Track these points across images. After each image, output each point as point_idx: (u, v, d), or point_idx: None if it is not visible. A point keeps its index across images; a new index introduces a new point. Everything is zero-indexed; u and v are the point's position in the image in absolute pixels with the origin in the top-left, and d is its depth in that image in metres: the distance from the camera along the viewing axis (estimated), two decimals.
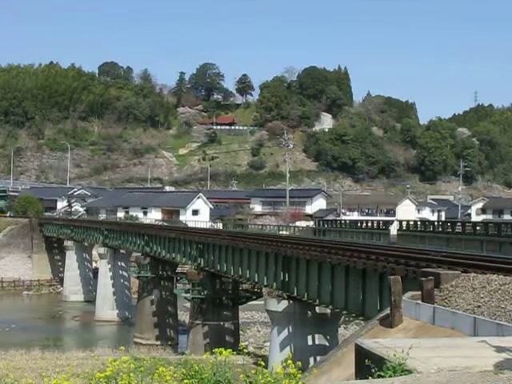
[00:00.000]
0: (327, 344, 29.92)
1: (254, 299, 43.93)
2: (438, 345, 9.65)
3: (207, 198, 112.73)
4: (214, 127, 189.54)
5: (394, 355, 7.95)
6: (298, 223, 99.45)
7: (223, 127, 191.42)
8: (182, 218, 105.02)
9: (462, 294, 14.87)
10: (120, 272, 63.19)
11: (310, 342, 30.35)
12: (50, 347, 38.92)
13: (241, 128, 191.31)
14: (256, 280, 35.40)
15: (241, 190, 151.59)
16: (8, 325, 55.21)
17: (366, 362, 8.35)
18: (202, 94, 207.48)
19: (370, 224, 73.99)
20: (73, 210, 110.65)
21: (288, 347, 30.06)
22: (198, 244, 42.95)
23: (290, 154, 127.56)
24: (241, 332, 46.50)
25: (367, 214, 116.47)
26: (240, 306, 44.41)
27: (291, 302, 30.82)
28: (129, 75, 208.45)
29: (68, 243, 74.90)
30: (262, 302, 37.15)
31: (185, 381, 10.43)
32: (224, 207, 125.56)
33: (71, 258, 74.60)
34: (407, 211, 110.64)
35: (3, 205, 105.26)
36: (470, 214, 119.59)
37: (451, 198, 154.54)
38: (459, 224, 63.96)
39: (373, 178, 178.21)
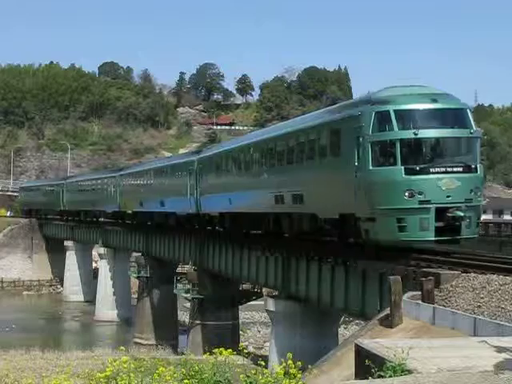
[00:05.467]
0: (327, 344, 29.89)
1: (254, 299, 43.95)
2: (438, 345, 9.65)
3: None
4: (214, 127, 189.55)
5: (394, 355, 7.96)
6: None
7: (223, 127, 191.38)
8: None
9: (462, 294, 14.87)
10: (120, 272, 63.11)
11: (310, 342, 30.30)
12: (50, 347, 38.88)
13: (241, 128, 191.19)
14: (256, 280, 35.39)
15: None
16: (8, 325, 55.18)
17: (366, 362, 8.35)
18: (202, 94, 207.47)
19: None
20: None
21: (288, 347, 30.01)
22: (198, 244, 42.95)
23: None
24: (241, 332, 46.50)
25: None
26: (240, 306, 44.41)
27: (291, 301, 30.81)
28: (129, 75, 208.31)
29: (68, 243, 74.80)
30: (262, 302, 37.16)
31: (185, 381, 10.44)
32: None
33: (71, 258, 74.51)
34: None
35: None
36: None
37: None
38: None
39: None
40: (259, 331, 54.04)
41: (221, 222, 38.24)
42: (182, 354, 33.66)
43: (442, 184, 20.97)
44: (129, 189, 54.33)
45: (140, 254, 54.51)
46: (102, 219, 65.34)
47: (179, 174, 42.91)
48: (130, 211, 54.70)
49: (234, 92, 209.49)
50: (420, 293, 15.29)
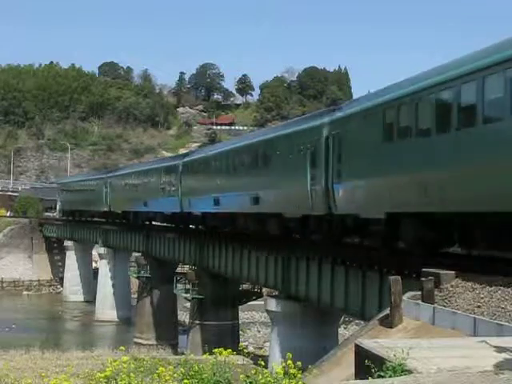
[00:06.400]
0: (327, 344, 29.91)
1: (254, 299, 43.99)
2: (438, 345, 9.63)
3: None
4: (214, 127, 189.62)
5: (394, 355, 7.94)
6: None
7: (223, 127, 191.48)
8: None
9: (462, 294, 14.85)
10: (120, 272, 63.19)
11: (309, 342, 30.32)
12: (50, 347, 38.90)
13: (241, 128, 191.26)
14: (256, 280, 35.41)
15: None
16: (8, 325, 55.20)
17: (366, 362, 8.33)
18: (202, 94, 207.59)
19: None
20: None
21: (288, 347, 30.03)
22: (198, 244, 42.97)
23: None
24: (241, 332, 46.54)
25: None
26: (240, 306, 44.46)
27: (291, 301, 30.82)
28: (129, 75, 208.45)
29: (68, 243, 74.90)
30: (262, 302, 37.19)
31: (184, 381, 10.44)
32: None
33: (71, 258, 74.61)
34: None
35: None
36: None
37: None
38: None
39: None
40: (259, 331, 54.08)
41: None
42: (182, 353, 33.68)
43: None
44: (196, 182, 39.91)
45: (140, 254, 54.53)
46: (158, 223, 52.81)
47: (287, 154, 27.22)
48: (197, 213, 40.53)
49: (234, 92, 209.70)
50: (420, 293, 15.27)
